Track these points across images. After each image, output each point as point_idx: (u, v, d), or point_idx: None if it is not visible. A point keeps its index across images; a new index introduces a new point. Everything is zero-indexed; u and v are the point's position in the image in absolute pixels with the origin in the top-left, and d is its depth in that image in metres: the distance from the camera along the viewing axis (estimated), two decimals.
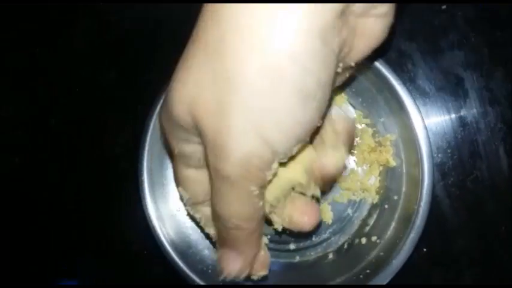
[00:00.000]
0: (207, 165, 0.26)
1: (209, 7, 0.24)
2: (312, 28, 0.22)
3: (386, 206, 0.38)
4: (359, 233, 0.39)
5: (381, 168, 0.39)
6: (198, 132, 0.25)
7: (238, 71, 0.22)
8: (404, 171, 0.38)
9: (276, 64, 0.22)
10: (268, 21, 0.22)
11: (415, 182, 0.36)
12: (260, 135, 0.23)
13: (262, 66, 0.22)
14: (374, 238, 0.38)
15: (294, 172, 0.29)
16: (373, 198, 0.39)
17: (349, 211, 0.40)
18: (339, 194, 0.40)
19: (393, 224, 0.37)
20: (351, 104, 0.40)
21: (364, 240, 0.38)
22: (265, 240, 0.30)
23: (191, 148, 0.27)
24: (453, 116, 0.40)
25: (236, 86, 0.22)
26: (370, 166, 0.39)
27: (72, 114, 0.44)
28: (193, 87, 0.24)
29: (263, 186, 0.25)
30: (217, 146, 0.24)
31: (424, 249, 0.40)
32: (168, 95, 0.25)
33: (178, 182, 0.30)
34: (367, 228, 0.39)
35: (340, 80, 0.29)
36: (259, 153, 0.23)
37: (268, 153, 0.24)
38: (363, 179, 0.39)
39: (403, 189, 0.38)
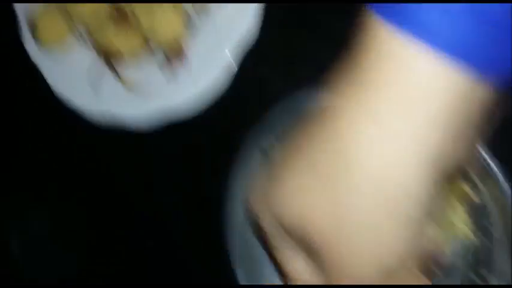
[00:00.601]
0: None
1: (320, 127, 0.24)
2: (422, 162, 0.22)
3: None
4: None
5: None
6: (305, 244, 0.24)
7: (351, 196, 0.22)
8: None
9: (387, 194, 0.22)
10: (378, 148, 0.22)
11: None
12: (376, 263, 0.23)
13: (374, 193, 0.22)
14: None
15: None
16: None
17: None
18: None
19: None
20: None
21: None
22: None
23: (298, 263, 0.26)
24: None
25: (351, 213, 0.22)
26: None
27: None
28: (305, 196, 0.23)
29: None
30: (335, 266, 0.23)
31: None
32: (275, 200, 0.25)
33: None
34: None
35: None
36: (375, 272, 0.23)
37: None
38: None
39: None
